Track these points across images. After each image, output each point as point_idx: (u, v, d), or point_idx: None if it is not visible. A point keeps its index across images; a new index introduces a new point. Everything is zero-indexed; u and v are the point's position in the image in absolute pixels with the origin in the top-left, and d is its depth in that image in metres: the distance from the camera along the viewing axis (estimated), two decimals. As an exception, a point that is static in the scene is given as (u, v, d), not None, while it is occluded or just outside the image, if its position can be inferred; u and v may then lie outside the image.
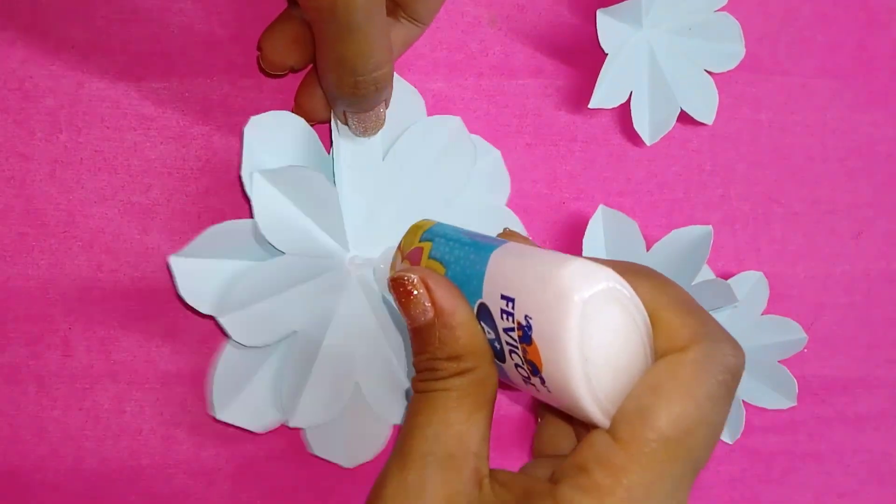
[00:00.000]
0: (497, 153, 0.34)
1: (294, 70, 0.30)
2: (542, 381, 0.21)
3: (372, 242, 0.32)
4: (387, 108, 0.30)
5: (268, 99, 0.32)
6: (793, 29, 0.38)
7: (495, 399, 0.24)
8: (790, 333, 0.36)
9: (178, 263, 0.30)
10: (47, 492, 0.32)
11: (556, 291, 0.20)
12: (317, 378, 0.32)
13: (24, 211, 0.31)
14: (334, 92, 0.28)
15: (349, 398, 0.32)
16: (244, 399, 0.31)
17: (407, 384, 0.33)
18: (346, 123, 0.30)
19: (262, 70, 0.32)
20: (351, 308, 0.32)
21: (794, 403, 0.36)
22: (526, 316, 0.21)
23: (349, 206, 0.31)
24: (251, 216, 0.30)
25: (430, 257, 0.26)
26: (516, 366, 0.22)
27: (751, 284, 0.36)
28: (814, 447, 0.39)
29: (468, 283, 0.24)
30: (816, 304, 0.38)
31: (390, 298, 0.27)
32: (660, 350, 0.21)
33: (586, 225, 0.36)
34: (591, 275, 0.20)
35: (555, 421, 0.27)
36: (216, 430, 0.33)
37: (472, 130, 0.34)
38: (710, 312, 0.32)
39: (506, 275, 0.22)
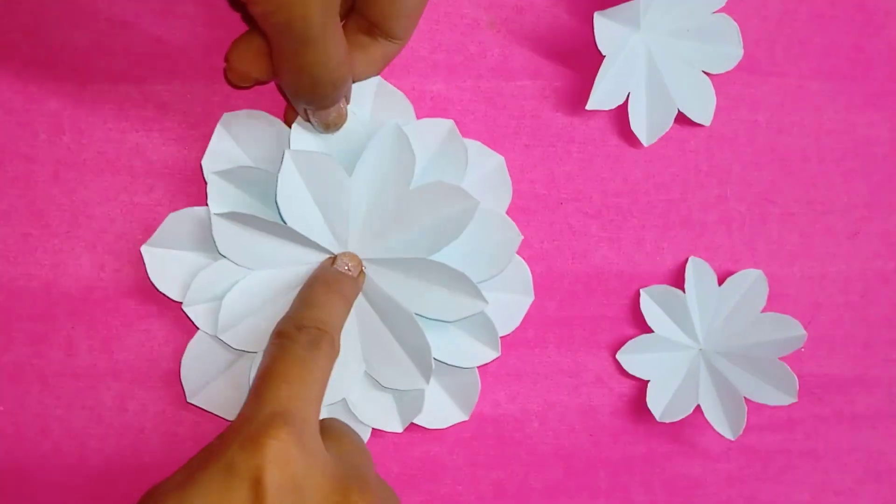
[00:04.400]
0: (500, 159, 0.34)
1: (260, 82, 0.31)
2: None
3: (363, 246, 0.32)
4: (348, 103, 0.30)
5: (267, 100, 0.33)
6: (790, 31, 0.38)
7: None
8: (790, 330, 0.36)
9: (149, 252, 0.31)
10: (50, 490, 0.32)
11: None
12: None
13: (28, 212, 0.31)
14: (293, 94, 0.29)
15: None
16: (218, 386, 0.32)
17: (386, 391, 0.33)
18: (309, 121, 0.31)
19: (228, 82, 0.32)
20: None
21: (795, 400, 0.36)
22: None
23: (319, 213, 0.31)
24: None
25: None
26: None
27: (750, 282, 0.37)
28: (810, 446, 0.39)
29: None
30: (813, 304, 0.39)
31: None
32: None
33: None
34: None
35: None
36: (219, 429, 0.33)
37: (470, 132, 0.34)
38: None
39: None
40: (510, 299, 0.34)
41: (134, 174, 0.32)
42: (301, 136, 0.31)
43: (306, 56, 0.27)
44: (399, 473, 0.35)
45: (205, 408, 0.32)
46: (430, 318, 0.32)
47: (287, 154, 0.30)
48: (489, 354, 0.33)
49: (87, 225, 0.32)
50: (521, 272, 0.34)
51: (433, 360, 0.32)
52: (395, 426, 0.33)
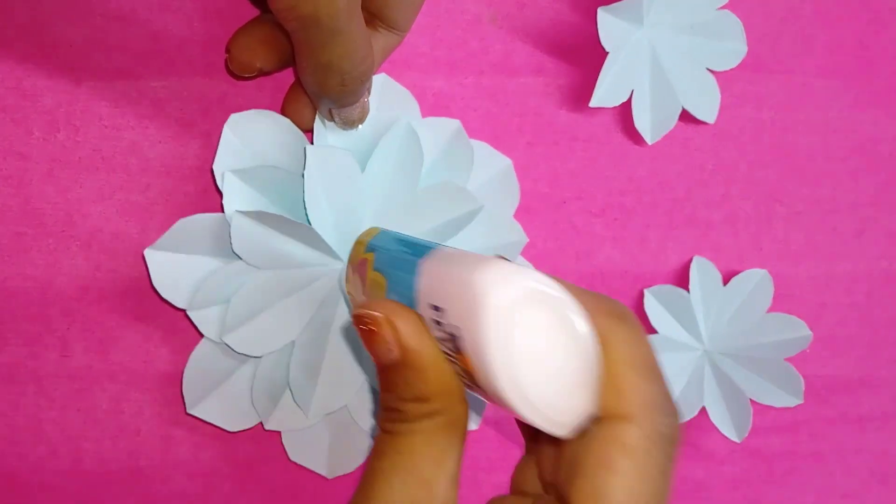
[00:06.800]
0: (508, 162, 0.34)
1: (263, 72, 0.30)
2: (482, 390, 0.21)
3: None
4: (369, 95, 0.30)
5: (267, 98, 0.32)
6: (795, 27, 0.38)
7: (466, 436, 0.23)
8: (795, 331, 0.36)
9: (153, 256, 0.30)
10: (45, 493, 0.32)
11: (473, 298, 0.19)
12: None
13: (22, 210, 0.31)
14: (319, 93, 0.28)
15: None
16: (218, 396, 0.31)
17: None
18: (332, 120, 0.30)
19: (230, 72, 0.31)
20: (342, 319, 0.32)
21: (801, 401, 0.36)
22: (454, 326, 0.20)
23: (332, 213, 0.31)
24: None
25: (374, 269, 0.25)
26: (459, 375, 0.21)
27: (755, 282, 0.36)
28: (816, 447, 0.39)
29: (405, 294, 0.22)
30: (818, 304, 0.38)
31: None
32: (606, 406, 0.21)
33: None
34: (509, 278, 0.19)
35: (533, 459, 0.25)
36: (215, 432, 0.33)
37: (472, 129, 0.34)
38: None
39: (433, 284, 0.21)
40: None
41: (130, 172, 0.32)
42: (320, 133, 0.31)
43: (334, 49, 0.26)
44: (399, 476, 0.34)
45: (205, 419, 0.31)
46: None
47: (309, 151, 0.29)
48: None
49: (83, 224, 0.31)
50: None
51: None
52: None
